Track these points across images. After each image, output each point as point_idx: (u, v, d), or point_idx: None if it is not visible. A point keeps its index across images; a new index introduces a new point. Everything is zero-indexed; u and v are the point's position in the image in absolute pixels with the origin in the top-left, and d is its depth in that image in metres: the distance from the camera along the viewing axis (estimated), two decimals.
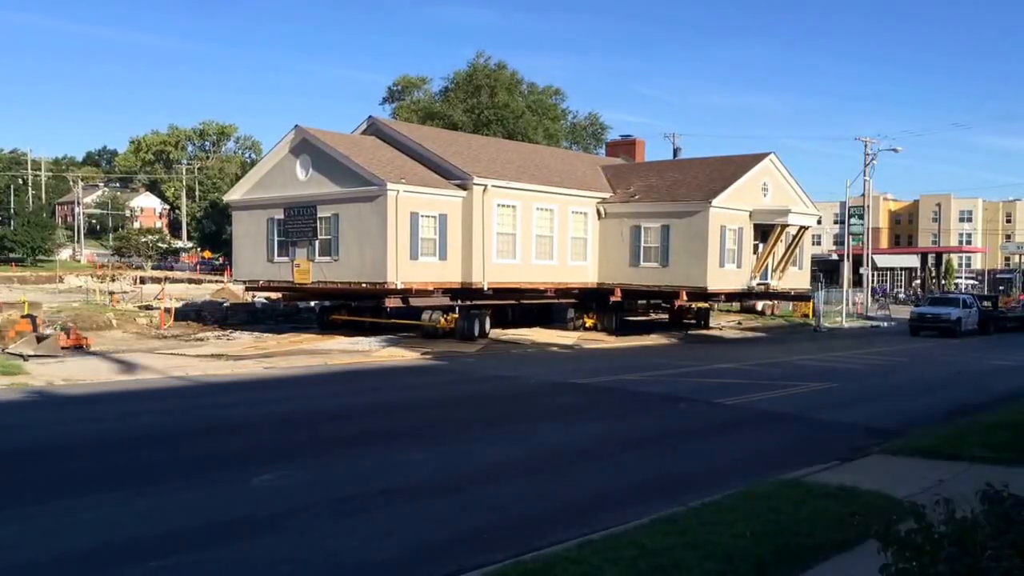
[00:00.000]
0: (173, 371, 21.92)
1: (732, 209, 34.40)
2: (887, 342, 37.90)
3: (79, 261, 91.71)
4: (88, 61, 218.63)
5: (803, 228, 37.08)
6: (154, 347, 27.75)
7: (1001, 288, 79.01)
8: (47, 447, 13.19)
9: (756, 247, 36.12)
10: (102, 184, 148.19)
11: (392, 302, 31.16)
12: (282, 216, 32.85)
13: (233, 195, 36.30)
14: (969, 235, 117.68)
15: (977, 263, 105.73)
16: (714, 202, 33.32)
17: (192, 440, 13.92)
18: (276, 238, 33.27)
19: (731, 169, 35.87)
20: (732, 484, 10.58)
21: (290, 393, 19.46)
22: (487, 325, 32.54)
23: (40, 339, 24.47)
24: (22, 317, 27.40)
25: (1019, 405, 17.67)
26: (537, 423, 16.18)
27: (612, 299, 36.16)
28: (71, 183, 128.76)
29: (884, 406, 18.95)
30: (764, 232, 36.01)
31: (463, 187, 31.72)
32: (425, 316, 31.81)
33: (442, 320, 31.72)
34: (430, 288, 30.85)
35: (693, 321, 41.08)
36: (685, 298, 34.84)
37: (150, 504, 9.98)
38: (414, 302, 31.11)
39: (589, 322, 36.93)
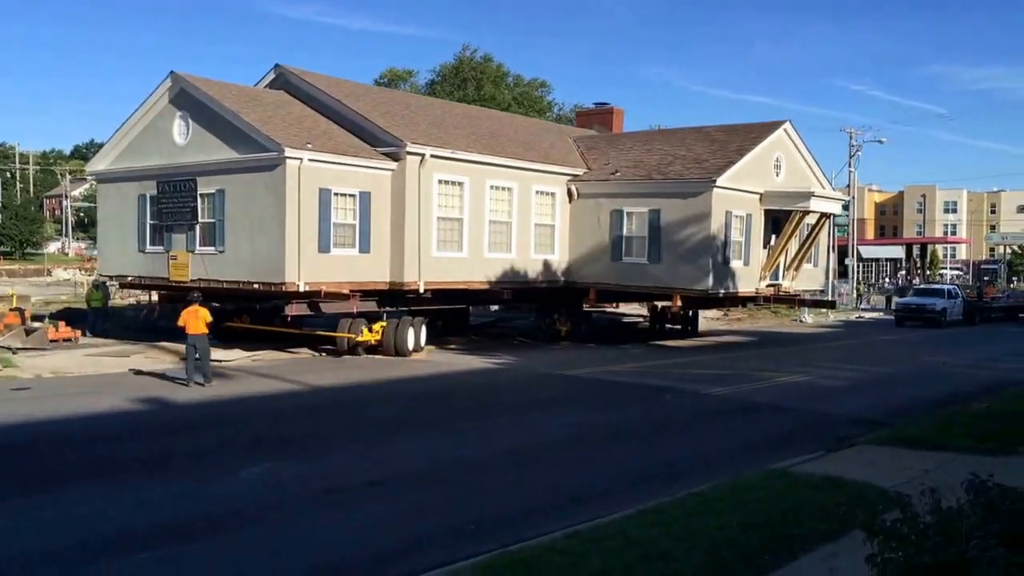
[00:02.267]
0: (161, 363, 21.83)
1: (740, 191, 27.29)
2: (872, 333, 38.11)
3: (67, 254, 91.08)
4: (73, 54, 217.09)
5: (825, 216, 29.98)
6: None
7: (986, 279, 79.64)
8: (35, 440, 13.14)
9: (769, 239, 29.27)
10: (90, 177, 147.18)
11: (295, 308, 23.41)
12: (155, 192, 25.29)
13: (98, 164, 27.62)
14: (954, 226, 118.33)
15: (962, 254, 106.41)
16: (718, 181, 26.21)
17: (179, 433, 13.93)
18: (148, 221, 25.70)
19: (737, 140, 28.71)
20: (718, 474, 10.64)
21: (274, 388, 19.41)
22: (423, 336, 25.25)
23: (29, 332, 24.36)
24: (10, 310, 27.24)
25: (1004, 395, 17.83)
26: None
27: (586, 302, 30.17)
28: (59, 176, 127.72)
29: (869, 397, 19.07)
30: (775, 220, 29.11)
31: (394, 157, 24.28)
32: (343, 326, 24.26)
33: (364, 331, 24.18)
34: (346, 291, 23.35)
35: (679, 327, 33.04)
36: (679, 303, 28.30)
37: (139, 497, 9.96)
38: (325, 308, 23.97)
39: (564, 329, 29.70)
